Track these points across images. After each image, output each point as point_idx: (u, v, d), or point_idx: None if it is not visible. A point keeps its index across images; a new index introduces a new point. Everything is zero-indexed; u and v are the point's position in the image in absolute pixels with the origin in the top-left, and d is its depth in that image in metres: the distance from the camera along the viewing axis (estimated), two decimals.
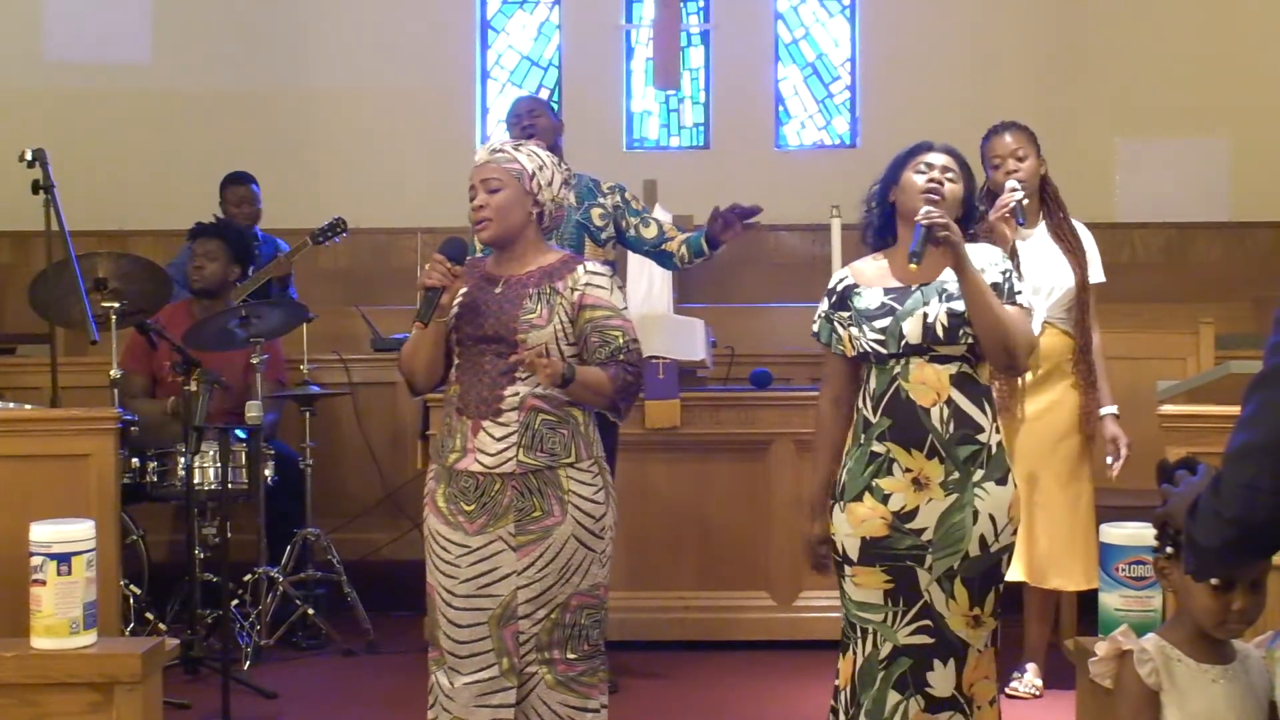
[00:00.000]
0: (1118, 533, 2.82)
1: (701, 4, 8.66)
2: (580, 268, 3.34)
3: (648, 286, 6.06)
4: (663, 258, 4.80)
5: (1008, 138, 4.56)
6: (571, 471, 3.26)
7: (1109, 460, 4.56)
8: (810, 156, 8.52)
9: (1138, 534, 2.82)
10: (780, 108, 8.67)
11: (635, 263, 6.01)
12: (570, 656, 3.29)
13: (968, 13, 8.34)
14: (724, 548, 5.28)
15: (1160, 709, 2.43)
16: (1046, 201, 4.62)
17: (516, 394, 3.24)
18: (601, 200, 4.75)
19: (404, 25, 8.36)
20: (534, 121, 4.80)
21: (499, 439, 3.24)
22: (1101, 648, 2.54)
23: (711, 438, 5.26)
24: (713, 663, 5.09)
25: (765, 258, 8.17)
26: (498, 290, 3.33)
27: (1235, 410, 1.98)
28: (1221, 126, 8.21)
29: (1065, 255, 4.54)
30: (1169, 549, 2.39)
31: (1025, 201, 4.42)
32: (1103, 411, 4.56)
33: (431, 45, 8.42)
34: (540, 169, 3.36)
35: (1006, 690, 4.53)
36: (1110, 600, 2.82)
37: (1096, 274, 4.63)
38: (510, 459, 3.23)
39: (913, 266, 3.13)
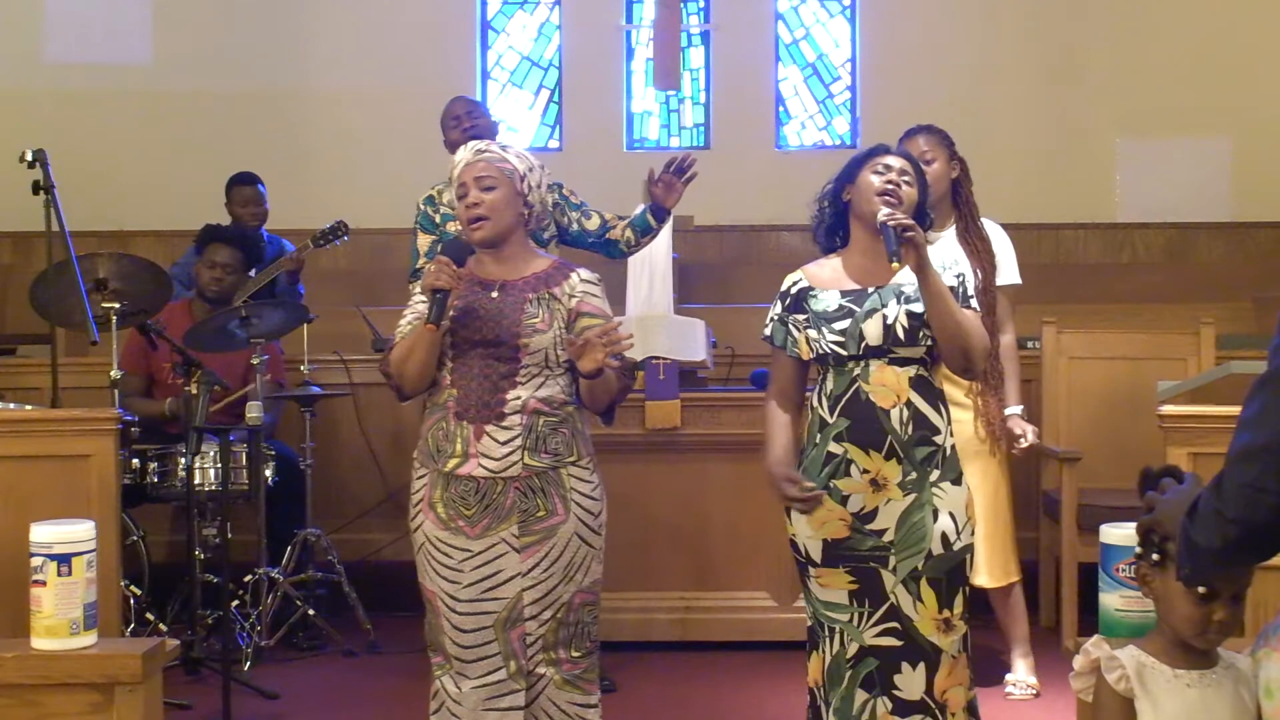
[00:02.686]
0: (1118, 533, 2.81)
1: (702, 4, 8.67)
2: (575, 275, 3.36)
3: (648, 287, 6.04)
4: (608, 247, 4.73)
5: (920, 141, 4.56)
6: (573, 470, 3.29)
7: (1016, 447, 4.56)
8: (811, 157, 8.52)
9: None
10: (781, 108, 8.68)
11: (635, 264, 5.99)
12: (574, 655, 3.31)
13: (968, 13, 8.34)
14: (724, 548, 5.27)
15: (1135, 717, 2.43)
16: (958, 204, 4.61)
17: (518, 398, 3.25)
18: None
19: (404, 25, 8.36)
20: (475, 123, 4.77)
21: (503, 443, 3.24)
22: (1079, 662, 2.54)
23: (712, 438, 5.26)
24: (713, 663, 5.08)
25: (766, 258, 8.17)
26: (495, 295, 3.32)
27: (1236, 411, 1.98)
28: (1222, 127, 8.22)
29: (969, 258, 4.53)
30: (1155, 555, 2.39)
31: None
32: (1007, 411, 4.56)
33: (432, 45, 8.42)
34: (530, 170, 3.37)
35: (1004, 692, 4.54)
36: (1110, 601, 2.81)
37: (1009, 276, 4.62)
38: (516, 462, 3.24)
39: (895, 266, 3.14)
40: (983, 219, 4.62)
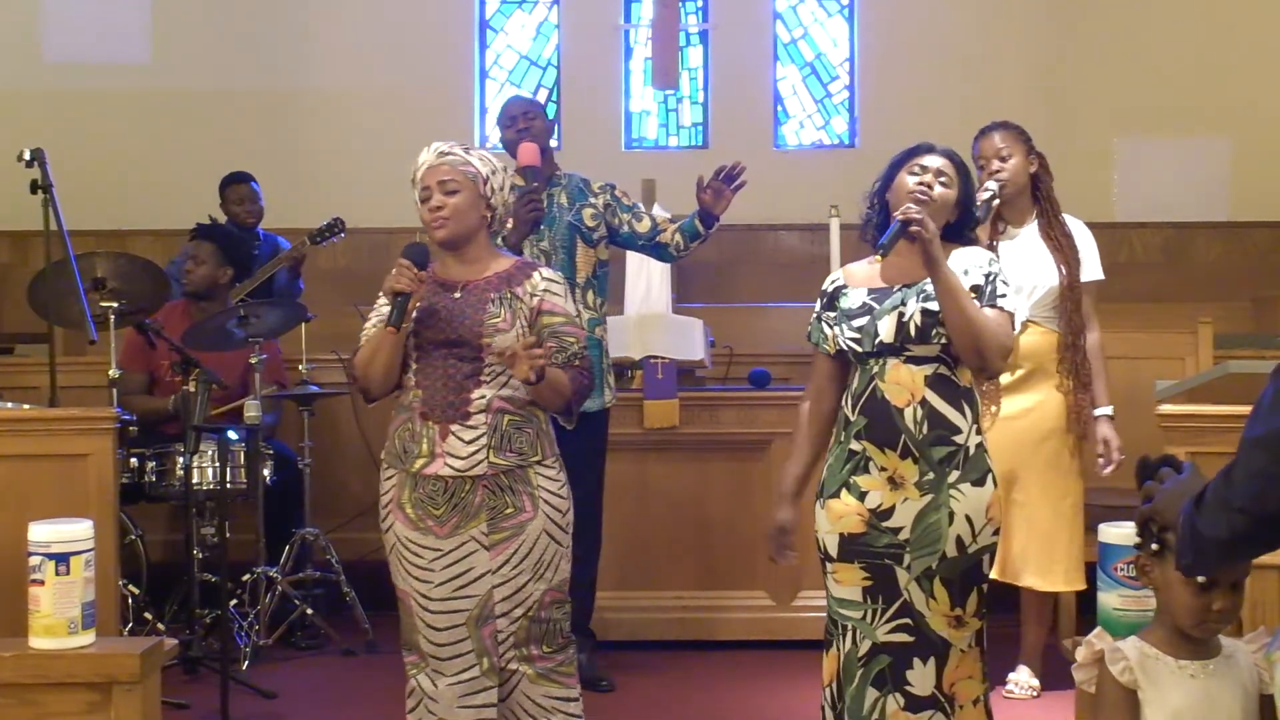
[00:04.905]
0: (1116, 532, 2.81)
1: (700, 4, 8.67)
2: (537, 274, 3.40)
3: (646, 286, 6.05)
4: (658, 250, 4.77)
5: (996, 138, 4.54)
6: (539, 469, 3.32)
7: (1100, 464, 4.53)
8: (809, 156, 8.53)
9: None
10: (779, 107, 8.68)
11: (634, 263, 6.01)
12: (547, 650, 3.34)
13: (966, 13, 8.35)
14: (722, 547, 5.28)
15: (1139, 708, 2.43)
16: (1039, 200, 4.60)
17: (483, 397, 3.28)
18: (592, 200, 4.72)
19: (403, 25, 8.37)
20: (530, 124, 4.75)
21: (469, 442, 3.27)
22: (1081, 653, 2.54)
23: (710, 437, 5.26)
24: (711, 662, 5.09)
25: (764, 257, 8.18)
26: (457, 295, 3.35)
27: (1234, 410, 1.98)
28: (1221, 126, 8.22)
29: (1052, 254, 4.52)
30: (1154, 545, 2.40)
31: (996, 202, 4.42)
32: (1097, 413, 4.52)
33: (431, 45, 8.43)
34: (493, 173, 3.40)
35: (1003, 691, 4.53)
36: (1109, 600, 2.81)
37: (1092, 272, 4.59)
38: (481, 461, 3.26)
39: (878, 257, 3.19)
40: (1064, 215, 4.60)
